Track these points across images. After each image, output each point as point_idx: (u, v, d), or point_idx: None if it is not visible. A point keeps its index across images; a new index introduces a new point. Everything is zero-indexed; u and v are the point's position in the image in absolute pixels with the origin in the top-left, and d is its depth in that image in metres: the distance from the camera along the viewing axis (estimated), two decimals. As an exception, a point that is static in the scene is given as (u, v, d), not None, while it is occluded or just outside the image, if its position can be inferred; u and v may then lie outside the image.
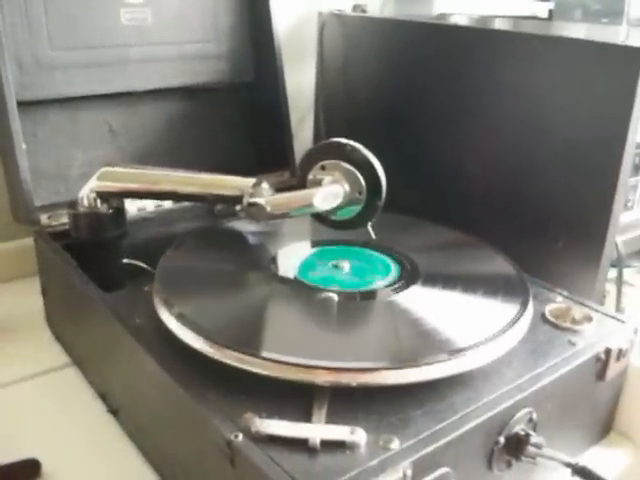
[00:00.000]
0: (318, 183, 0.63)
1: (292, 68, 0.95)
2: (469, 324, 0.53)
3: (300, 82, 0.99)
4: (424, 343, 0.51)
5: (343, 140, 0.63)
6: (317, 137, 0.99)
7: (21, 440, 0.59)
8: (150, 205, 0.79)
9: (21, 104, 0.74)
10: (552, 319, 0.58)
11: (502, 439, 0.48)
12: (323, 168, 0.63)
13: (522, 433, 0.49)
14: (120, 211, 0.70)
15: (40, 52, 0.77)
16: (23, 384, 0.67)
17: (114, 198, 0.69)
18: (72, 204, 0.69)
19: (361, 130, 0.91)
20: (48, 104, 0.80)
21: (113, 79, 0.83)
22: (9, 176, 0.78)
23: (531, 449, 0.48)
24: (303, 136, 1.02)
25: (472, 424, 0.45)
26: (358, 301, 0.57)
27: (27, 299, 0.78)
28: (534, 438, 0.49)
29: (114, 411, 0.61)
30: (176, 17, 0.87)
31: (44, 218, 0.74)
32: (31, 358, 0.71)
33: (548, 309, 0.60)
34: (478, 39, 0.76)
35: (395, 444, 0.42)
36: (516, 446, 0.48)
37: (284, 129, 0.93)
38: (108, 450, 0.58)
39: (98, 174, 0.68)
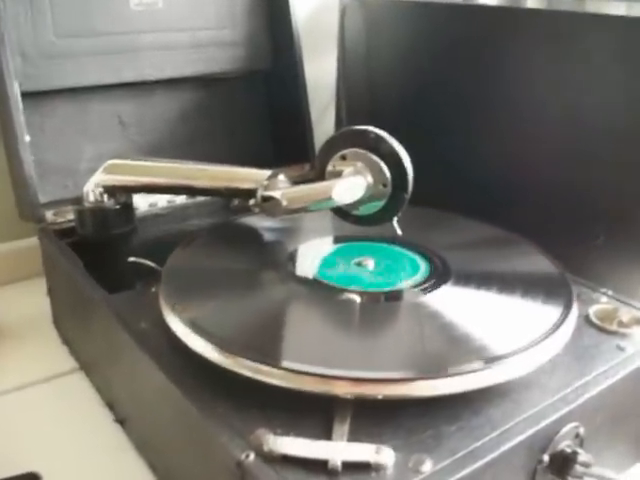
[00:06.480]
0: (338, 175, 0.59)
1: (312, 56, 0.93)
2: (507, 329, 0.49)
3: (321, 71, 0.95)
4: (457, 350, 0.46)
5: (365, 127, 0.59)
6: (339, 128, 0.96)
7: (23, 451, 0.56)
8: (162, 200, 0.77)
9: (27, 95, 0.71)
10: (597, 322, 0.53)
11: (546, 457, 0.43)
12: (344, 158, 0.59)
13: (569, 451, 0.44)
14: (128, 206, 0.68)
15: (44, 40, 0.74)
16: (27, 390, 0.64)
17: (121, 193, 0.67)
18: (77, 200, 0.67)
19: (385, 121, 0.87)
20: (56, 95, 0.77)
21: (123, 68, 0.80)
22: (13, 171, 0.75)
23: (578, 468, 0.44)
24: (324, 128, 0.99)
25: (513, 442, 0.41)
26: (383, 302, 0.53)
27: (34, 301, 0.76)
28: (582, 456, 0.44)
29: (121, 421, 0.58)
30: (188, 2, 0.84)
31: (49, 215, 0.71)
32: (36, 363, 0.68)
33: (592, 311, 0.55)
34: (510, 20, 0.72)
35: (427, 466, 0.38)
36: (562, 465, 0.44)
37: (303, 120, 0.90)
38: (114, 462, 0.55)
39: (104, 167, 0.66)
